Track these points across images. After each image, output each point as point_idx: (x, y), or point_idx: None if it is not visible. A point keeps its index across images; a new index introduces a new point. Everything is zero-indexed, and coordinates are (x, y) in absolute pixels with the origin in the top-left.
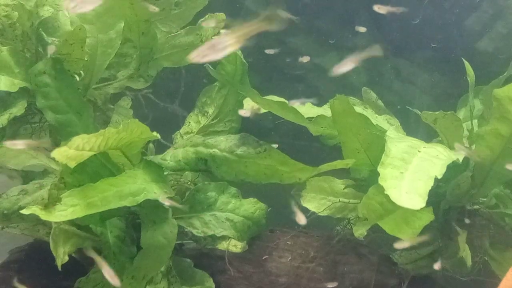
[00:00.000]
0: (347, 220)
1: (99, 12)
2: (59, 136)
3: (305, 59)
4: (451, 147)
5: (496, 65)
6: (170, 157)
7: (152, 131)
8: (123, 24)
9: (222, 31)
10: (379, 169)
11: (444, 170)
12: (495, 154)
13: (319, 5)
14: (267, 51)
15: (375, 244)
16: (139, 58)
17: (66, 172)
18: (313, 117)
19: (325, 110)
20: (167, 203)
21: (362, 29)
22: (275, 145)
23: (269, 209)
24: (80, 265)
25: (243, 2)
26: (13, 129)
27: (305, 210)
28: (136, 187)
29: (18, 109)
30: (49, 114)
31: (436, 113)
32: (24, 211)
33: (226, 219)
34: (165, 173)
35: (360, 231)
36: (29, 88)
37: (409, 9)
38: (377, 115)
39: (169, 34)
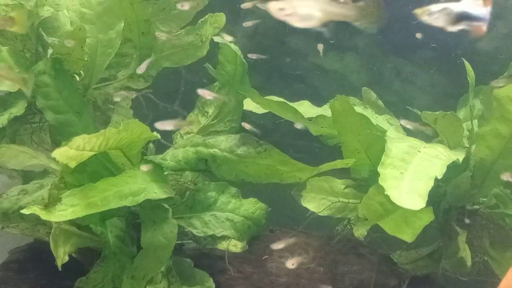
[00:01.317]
0: (347, 220)
1: (99, 12)
2: (59, 136)
3: (319, 47)
4: (452, 147)
5: (496, 65)
6: (170, 157)
7: (152, 131)
8: (123, 24)
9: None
10: (379, 169)
11: (444, 170)
12: (495, 154)
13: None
14: (250, 56)
15: (375, 244)
16: (139, 58)
17: (67, 172)
18: (313, 117)
19: (325, 110)
20: (145, 168)
21: (419, 35)
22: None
23: (269, 209)
24: (80, 265)
25: (243, 2)
26: (13, 129)
27: (305, 210)
28: (136, 187)
29: (18, 109)
30: (49, 114)
31: (436, 113)
32: (24, 211)
33: (226, 219)
34: (165, 173)
35: (360, 231)
36: None
37: (409, 9)
38: (377, 115)
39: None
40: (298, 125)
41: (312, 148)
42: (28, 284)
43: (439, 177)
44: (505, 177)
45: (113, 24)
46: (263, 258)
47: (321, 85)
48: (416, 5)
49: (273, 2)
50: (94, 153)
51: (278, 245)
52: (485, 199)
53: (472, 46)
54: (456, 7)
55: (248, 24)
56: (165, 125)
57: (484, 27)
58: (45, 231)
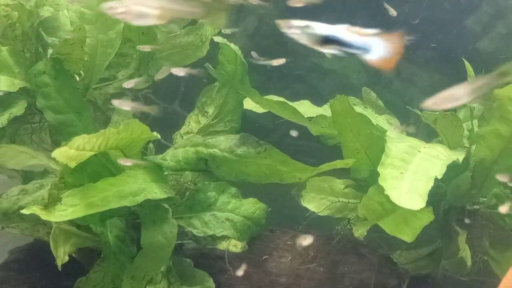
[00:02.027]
0: (347, 220)
1: (99, 12)
2: (59, 136)
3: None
4: (452, 147)
5: (496, 65)
6: (170, 157)
7: (152, 131)
8: (123, 24)
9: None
10: (379, 169)
11: (444, 170)
12: (495, 154)
13: (319, 5)
14: (253, 54)
15: (375, 244)
16: (139, 58)
17: (66, 172)
18: (313, 117)
19: (325, 110)
20: (128, 163)
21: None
22: None
23: (269, 209)
24: (80, 265)
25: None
26: (13, 129)
27: (305, 210)
28: (136, 187)
29: (18, 109)
30: (49, 114)
31: (436, 113)
32: (24, 211)
33: (226, 219)
34: (165, 173)
35: (360, 231)
36: (29, 88)
37: (410, 9)
38: (377, 115)
39: (169, 34)
40: (294, 133)
41: (312, 148)
42: (28, 284)
43: (439, 177)
44: (501, 178)
45: (113, 24)
46: (263, 258)
47: (321, 85)
48: (415, 5)
49: (107, 2)
50: (94, 153)
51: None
52: (485, 199)
53: (472, 46)
54: (321, 29)
55: (227, 31)
56: (123, 104)
57: (390, 62)
58: (45, 231)
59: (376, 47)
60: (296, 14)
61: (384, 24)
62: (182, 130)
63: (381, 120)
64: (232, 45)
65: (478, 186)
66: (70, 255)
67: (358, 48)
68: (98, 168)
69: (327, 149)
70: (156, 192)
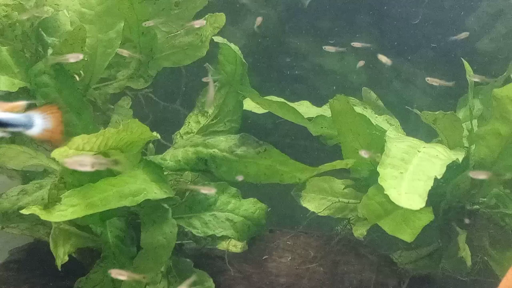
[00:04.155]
0: (347, 220)
1: (99, 12)
2: None
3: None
4: (451, 147)
5: (496, 65)
6: (170, 157)
7: (152, 131)
8: (123, 24)
9: None
10: (379, 169)
11: (444, 170)
12: (495, 154)
13: (319, 5)
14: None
15: (375, 244)
16: (139, 58)
17: (66, 172)
18: (313, 117)
19: (325, 110)
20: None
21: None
22: None
23: (269, 209)
24: (80, 265)
25: (243, 2)
26: None
27: (305, 210)
28: (136, 187)
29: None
30: None
31: (436, 113)
32: (24, 211)
33: (226, 219)
34: (165, 173)
35: (360, 231)
36: (29, 88)
37: (409, 9)
38: (377, 115)
39: (169, 34)
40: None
41: (312, 148)
42: (28, 284)
43: (439, 177)
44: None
45: (113, 24)
46: (263, 258)
47: (321, 85)
48: (415, 5)
49: None
50: (93, 153)
51: None
52: (485, 199)
53: (472, 46)
54: None
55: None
56: None
57: (55, 133)
58: (45, 231)
59: (37, 120)
60: (297, 15)
61: (385, 25)
62: (182, 130)
63: (381, 120)
64: (232, 45)
65: (478, 186)
66: (70, 255)
67: (20, 125)
68: None
69: (327, 149)
70: (156, 192)
